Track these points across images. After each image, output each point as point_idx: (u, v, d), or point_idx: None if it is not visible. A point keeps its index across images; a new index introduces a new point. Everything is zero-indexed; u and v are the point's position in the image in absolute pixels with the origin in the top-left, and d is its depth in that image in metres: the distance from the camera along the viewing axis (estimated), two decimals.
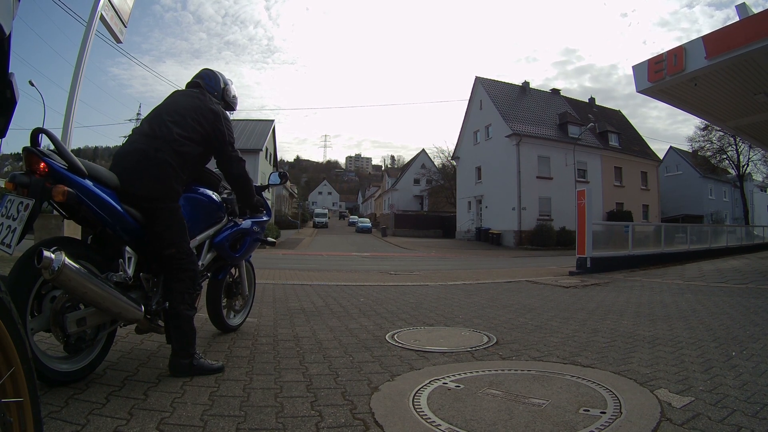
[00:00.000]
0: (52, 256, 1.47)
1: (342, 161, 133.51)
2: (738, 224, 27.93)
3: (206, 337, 2.75)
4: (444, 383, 1.97)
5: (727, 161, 31.21)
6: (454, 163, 35.10)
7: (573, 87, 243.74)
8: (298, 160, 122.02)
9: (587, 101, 34.29)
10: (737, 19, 7.47)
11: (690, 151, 34.10)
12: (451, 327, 3.35)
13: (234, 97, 2.58)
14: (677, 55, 7.98)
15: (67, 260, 1.51)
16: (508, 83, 31.10)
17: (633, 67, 8.96)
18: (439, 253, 19.77)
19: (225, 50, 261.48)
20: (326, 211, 55.99)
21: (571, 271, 8.27)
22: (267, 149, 32.13)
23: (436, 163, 46.25)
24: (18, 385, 0.88)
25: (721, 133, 27.70)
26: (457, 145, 33.32)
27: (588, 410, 1.65)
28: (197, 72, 2.48)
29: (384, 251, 20.38)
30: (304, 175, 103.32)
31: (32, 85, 24.12)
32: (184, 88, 2.39)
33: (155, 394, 1.75)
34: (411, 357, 2.45)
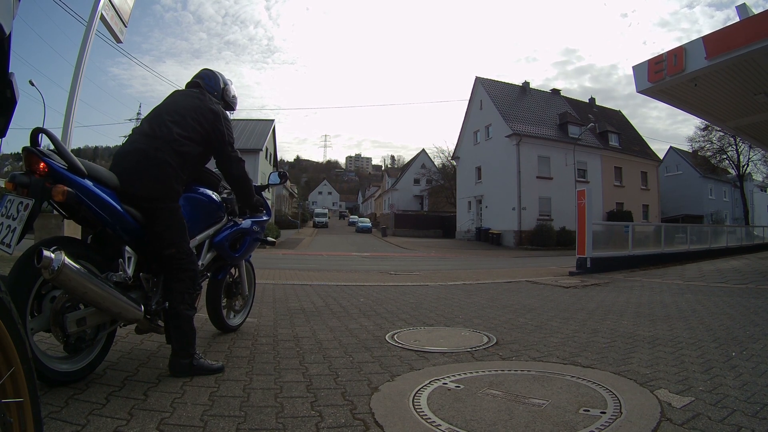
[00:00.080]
0: (52, 255, 1.47)
1: (342, 161, 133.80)
2: (738, 224, 27.94)
3: (206, 337, 2.75)
4: (444, 383, 1.97)
5: (727, 161, 31.21)
6: (454, 163, 35.10)
7: (573, 87, 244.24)
8: (298, 160, 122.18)
9: (587, 101, 34.32)
10: (737, 19, 7.49)
11: (690, 151, 34.10)
12: (451, 327, 3.35)
13: (234, 97, 2.58)
14: (677, 55, 7.99)
15: (67, 260, 1.51)
16: (508, 83, 31.16)
17: (633, 67, 8.98)
18: (439, 253, 19.77)
19: (225, 50, 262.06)
20: (326, 211, 55.99)
21: (571, 271, 8.27)
22: (267, 149, 32.12)
23: (436, 163, 46.23)
24: (18, 386, 0.88)
25: (721, 133, 27.69)
26: (457, 145, 33.33)
27: (588, 410, 1.66)
28: (197, 72, 2.48)
29: (384, 251, 20.38)
30: (304, 175, 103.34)
31: (32, 84, 24.10)
32: (184, 88, 2.39)
33: (155, 394, 1.75)
34: (411, 357, 2.45)
